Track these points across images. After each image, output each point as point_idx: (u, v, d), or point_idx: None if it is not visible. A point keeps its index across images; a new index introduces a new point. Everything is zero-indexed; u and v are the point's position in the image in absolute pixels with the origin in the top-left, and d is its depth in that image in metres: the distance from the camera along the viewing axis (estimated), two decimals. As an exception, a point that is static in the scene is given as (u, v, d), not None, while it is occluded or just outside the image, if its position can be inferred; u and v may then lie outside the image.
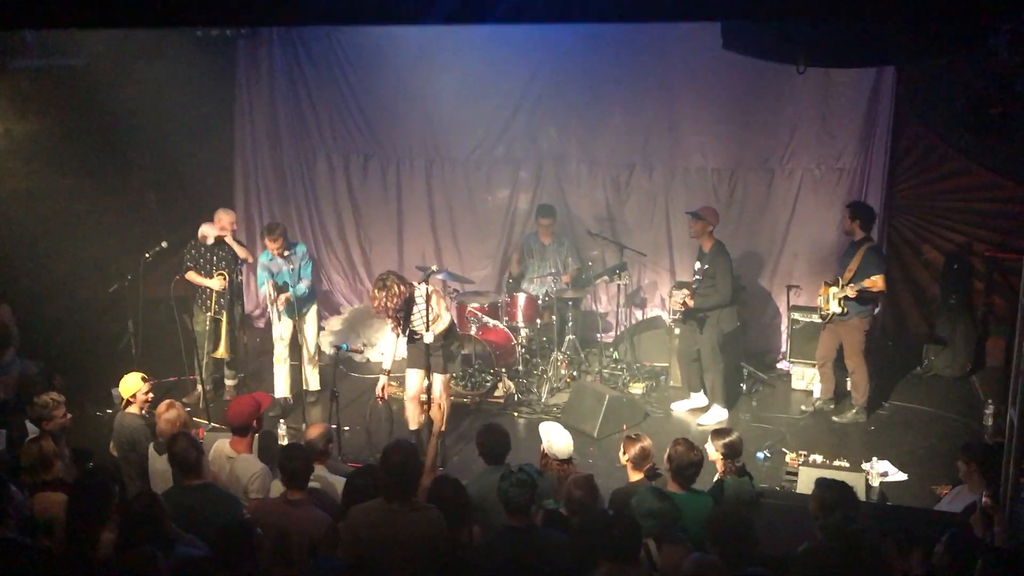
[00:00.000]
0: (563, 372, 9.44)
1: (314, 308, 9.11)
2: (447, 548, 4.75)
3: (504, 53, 10.23)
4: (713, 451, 5.84)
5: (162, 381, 8.85)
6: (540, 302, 9.56)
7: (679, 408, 9.02)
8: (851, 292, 8.18)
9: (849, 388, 8.77)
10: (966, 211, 9.66)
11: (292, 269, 8.69)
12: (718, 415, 8.66)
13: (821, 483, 4.83)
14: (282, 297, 8.59)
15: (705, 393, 8.87)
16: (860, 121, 9.66)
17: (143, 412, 6.63)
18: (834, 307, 8.34)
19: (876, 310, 8.64)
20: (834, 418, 8.57)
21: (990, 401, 8.57)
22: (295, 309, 8.66)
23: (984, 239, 9.60)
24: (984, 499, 5.56)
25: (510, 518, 4.78)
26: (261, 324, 11.06)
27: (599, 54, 10.04)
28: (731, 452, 5.77)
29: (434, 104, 10.61)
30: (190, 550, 4.58)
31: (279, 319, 8.74)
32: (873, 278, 8.06)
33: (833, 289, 8.39)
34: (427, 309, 7.29)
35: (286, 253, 8.67)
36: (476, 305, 9.66)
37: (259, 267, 8.86)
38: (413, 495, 4.87)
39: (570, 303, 9.77)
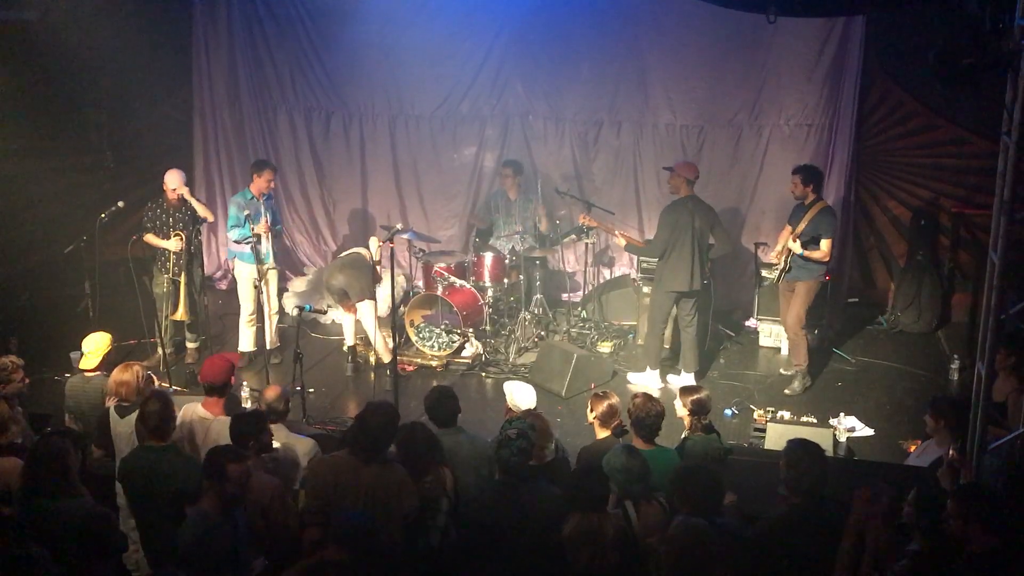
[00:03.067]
0: (531, 332, 9.37)
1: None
2: (412, 504, 4.76)
3: (469, 7, 10.09)
4: (681, 407, 5.80)
5: (122, 344, 8.68)
6: (507, 261, 9.46)
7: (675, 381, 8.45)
8: (796, 247, 7.98)
9: (787, 353, 8.63)
10: (933, 167, 9.68)
11: (267, 212, 8.50)
12: (647, 378, 8.50)
13: (790, 444, 4.79)
14: (262, 226, 8.37)
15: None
16: (828, 77, 9.62)
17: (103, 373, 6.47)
18: (781, 264, 8.26)
19: (824, 274, 8.43)
20: (785, 391, 8.33)
21: (956, 356, 8.62)
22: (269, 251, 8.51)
23: (951, 195, 9.63)
24: (951, 453, 5.58)
25: (503, 475, 4.82)
26: (223, 286, 10.90)
27: (566, 8, 9.93)
28: (699, 409, 5.74)
29: (398, 60, 10.42)
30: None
31: (269, 254, 8.55)
32: (821, 244, 7.93)
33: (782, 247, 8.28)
34: None
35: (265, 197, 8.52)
36: (442, 265, 9.55)
37: (233, 207, 8.53)
38: (381, 457, 4.84)
39: (537, 262, 9.70)
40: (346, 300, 8.68)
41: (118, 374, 5.95)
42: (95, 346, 6.45)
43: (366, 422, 4.84)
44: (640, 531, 4.64)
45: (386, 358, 8.42)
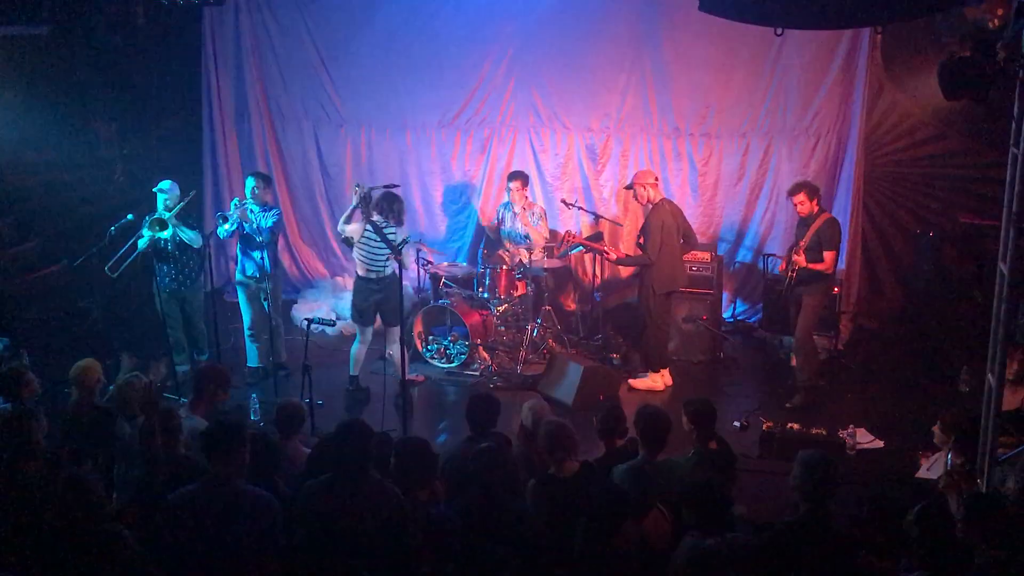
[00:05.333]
0: (540, 343, 9.37)
1: (278, 277, 8.87)
2: (400, 521, 4.69)
3: (476, 19, 10.16)
4: (685, 420, 5.78)
5: (138, 359, 8.73)
6: (515, 272, 9.46)
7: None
8: (800, 260, 7.99)
9: (793, 365, 8.61)
10: (941, 177, 9.64)
11: (256, 214, 8.51)
12: (650, 380, 8.69)
13: (803, 453, 4.79)
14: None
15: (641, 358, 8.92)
16: (836, 88, 9.63)
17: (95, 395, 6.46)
18: (787, 277, 8.25)
19: (831, 287, 8.44)
20: (787, 404, 8.27)
21: (965, 367, 8.57)
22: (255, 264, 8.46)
23: (960, 205, 9.57)
24: (950, 462, 5.61)
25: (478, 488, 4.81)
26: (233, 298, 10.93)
27: (573, 19, 9.97)
28: (700, 420, 5.70)
29: (405, 72, 10.50)
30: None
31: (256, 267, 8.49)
32: (824, 255, 7.93)
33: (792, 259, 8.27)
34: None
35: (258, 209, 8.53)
36: (451, 276, 9.56)
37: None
38: (364, 475, 4.79)
39: (546, 273, 9.69)
40: (370, 320, 8.55)
41: (121, 389, 6.03)
42: (82, 379, 6.35)
43: (343, 445, 4.79)
44: (652, 542, 4.64)
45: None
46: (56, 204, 10.05)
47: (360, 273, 8.32)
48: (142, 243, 8.17)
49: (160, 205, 8.32)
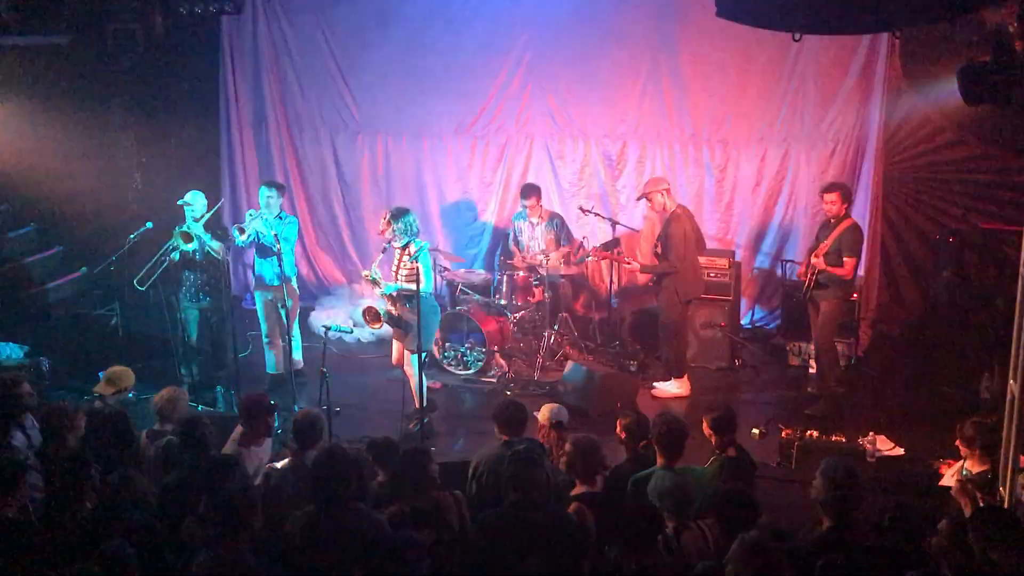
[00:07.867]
0: (556, 350, 9.36)
1: (292, 283, 8.83)
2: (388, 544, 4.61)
3: (492, 27, 10.20)
4: (706, 427, 5.76)
5: (150, 363, 8.78)
6: (533, 280, 9.45)
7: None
8: (820, 263, 7.93)
9: (812, 372, 8.56)
10: (961, 182, 9.56)
11: (268, 220, 8.47)
12: (674, 386, 8.68)
13: (826, 464, 4.73)
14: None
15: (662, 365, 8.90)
16: (855, 94, 9.59)
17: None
18: (806, 281, 8.19)
19: (850, 294, 8.43)
20: (807, 412, 8.19)
21: (986, 374, 8.50)
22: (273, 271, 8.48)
23: (980, 211, 9.50)
24: (969, 469, 5.57)
25: (515, 493, 4.72)
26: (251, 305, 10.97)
27: (589, 26, 9.99)
28: (719, 427, 5.66)
29: (422, 80, 10.52)
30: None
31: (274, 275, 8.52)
32: (844, 261, 7.88)
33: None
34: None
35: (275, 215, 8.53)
36: (467, 283, 9.56)
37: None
38: (341, 502, 4.73)
39: (562, 279, 9.68)
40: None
41: (167, 394, 6.07)
42: (116, 379, 6.48)
43: (317, 468, 4.79)
44: (683, 554, 4.58)
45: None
46: (75, 212, 10.13)
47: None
48: (175, 255, 8.20)
49: (188, 217, 8.30)
